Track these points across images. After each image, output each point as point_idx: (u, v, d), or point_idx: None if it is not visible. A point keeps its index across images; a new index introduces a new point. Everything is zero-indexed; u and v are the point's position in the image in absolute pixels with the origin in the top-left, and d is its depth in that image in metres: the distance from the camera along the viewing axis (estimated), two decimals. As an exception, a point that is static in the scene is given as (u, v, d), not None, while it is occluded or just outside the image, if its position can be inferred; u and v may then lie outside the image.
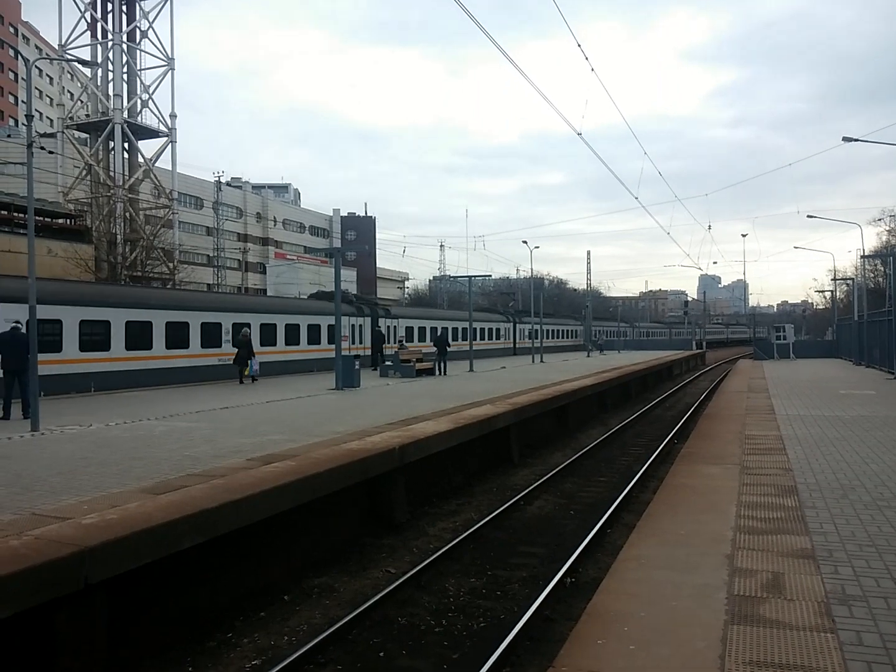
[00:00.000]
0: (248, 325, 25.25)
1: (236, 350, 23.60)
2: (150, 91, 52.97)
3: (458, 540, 9.36)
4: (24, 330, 13.98)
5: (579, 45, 17.99)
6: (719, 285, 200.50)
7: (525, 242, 51.41)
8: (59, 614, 5.52)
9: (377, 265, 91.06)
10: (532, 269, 62.78)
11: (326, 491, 8.73)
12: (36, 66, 72.26)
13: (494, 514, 10.68)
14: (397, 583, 7.77)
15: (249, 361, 23.36)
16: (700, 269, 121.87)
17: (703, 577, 5.36)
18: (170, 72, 53.16)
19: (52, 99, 76.87)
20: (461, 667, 6.10)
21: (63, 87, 60.53)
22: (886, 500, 7.54)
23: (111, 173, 50.04)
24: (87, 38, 51.17)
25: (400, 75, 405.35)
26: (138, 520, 6.30)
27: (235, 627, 6.94)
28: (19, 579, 5.11)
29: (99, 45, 51.24)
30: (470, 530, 9.80)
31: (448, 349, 29.56)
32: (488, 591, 7.84)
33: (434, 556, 8.66)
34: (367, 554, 9.16)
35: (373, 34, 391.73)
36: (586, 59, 19.17)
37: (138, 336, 22.05)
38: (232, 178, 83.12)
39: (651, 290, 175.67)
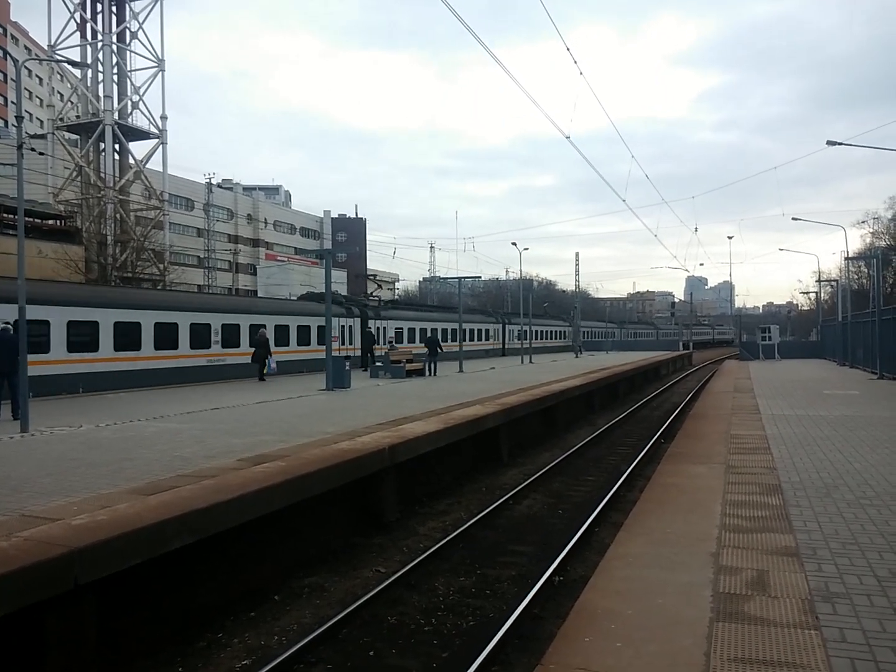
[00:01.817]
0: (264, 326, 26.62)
1: (254, 349, 24.81)
2: (141, 92, 52.78)
3: (447, 539, 9.40)
4: (12, 331, 13.93)
5: (568, 49, 18.11)
6: (706, 287, 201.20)
7: (514, 244, 50.51)
8: (48, 615, 5.53)
9: (368, 266, 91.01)
10: (521, 271, 62.89)
11: (317, 491, 8.76)
12: (25, 67, 71.85)
13: (484, 513, 10.73)
14: (387, 582, 7.81)
15: (267, 360, 24.36)
16: (687, 270, 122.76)
17: (689, 575, 5.42)
18: (160, 73, 52.94)
19: (41, 100, 76.47)
20: (450, 665, 6.13)
21: (53, 88, 60.23)
22: (869, 498, 7.63)
23: (101, 174, 49.80)
24: (76, 38, 50.92)
25: (391, 78, 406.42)
26: (128, 520, 6.31)
27: (226, 627, 6.96)
28: (9, 580, 5.11)
29: (88, 46, 50.99)
30: (459, 530, 9.85)
31: (440, 351, 29.57)
32: (477, 590, 7.89)
33: (424, 556, 8.70)
34: (358, 553, 9.19)
35: (364, 38, 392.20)
36: (575, 62, 19.30)
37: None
38: (223, 179, 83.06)
39: (639, 292, 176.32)
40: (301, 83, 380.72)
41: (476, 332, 48.70)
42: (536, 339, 58.23)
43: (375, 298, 40.52)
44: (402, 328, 38.64)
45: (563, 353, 58.99)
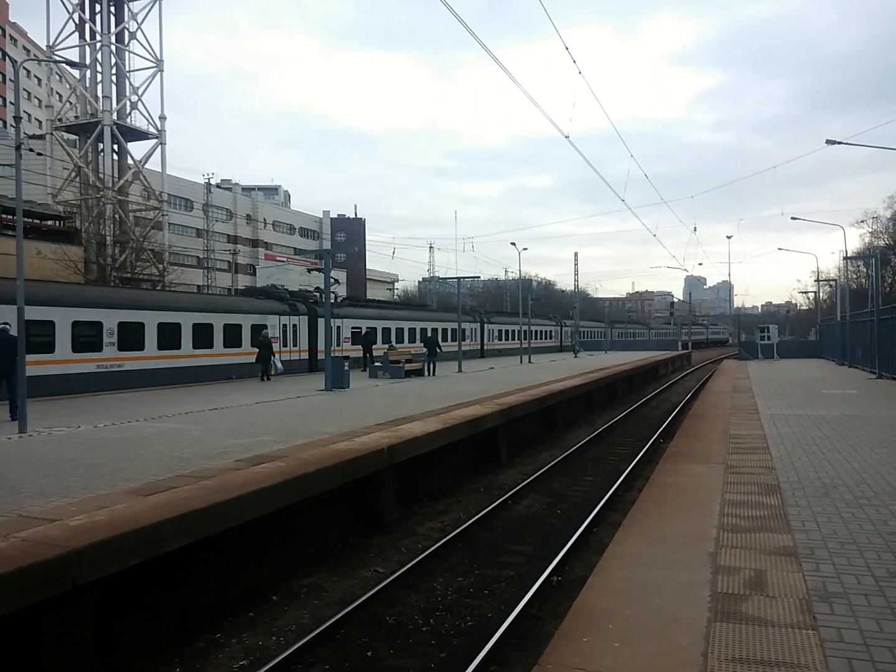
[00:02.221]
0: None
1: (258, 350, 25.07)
2: (140, 93, 52.76)
3: (446, 539, 9.41)
4: (12, 332, 13.91)
5: (567, 49, 18.09)
6: (705, 286, 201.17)
7: (513, 244, 50.22)
8: (46, 616, 5.53)
9: (367, 267, 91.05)
10: (520, 271, 62.58)
11: (315, 491, 8.76)
12: (24, 68, 71.77)
13: (482, 513, 10.73)
14: (385, 582, 7.81)
15: (272, 360, 24.73)
16: (686, 270, 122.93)
17: (688, 575, 5.42)
18: (159, 73, 52.92)
19: (40, 100, 76.52)
20: (449, 665, 6.13)
21: (52, 89, 60.25)
22: (867, 497, 7.63)
23: (100, 175, 49.76)
24: (75, 39, 50.89)
25: (389, 79, 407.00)
26: (126, 521, 6.31)
27: (224, 628, 6.95)
28: (6, 581, 5.11)
29: (87, 47, 50.95)
30: (458, 529, 9.85)
31: (439, 350, 29.52)
32: (476, 590, 7.89)
33: (422, 556, 8.71)
34: (356, 553, 9.19)
35: (362, 38, 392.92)
36: (574, 62, 19.28)
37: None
38: (222, 180, 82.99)
39: (638, 292, 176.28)
40: (299, 83, 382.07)
41: (450, 331, 42.38)
42: (519, 339, 52.10)
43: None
44: (359, 328, 33.97)
45: (550, 353, 55.25)
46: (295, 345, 29.19)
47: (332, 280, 35.33)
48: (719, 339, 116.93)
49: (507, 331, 53.14)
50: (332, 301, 32.58)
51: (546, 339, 61.89)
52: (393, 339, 36.48)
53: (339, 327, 32.16)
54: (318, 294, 33.33)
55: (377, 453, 10.15)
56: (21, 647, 5.54)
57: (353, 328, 33.62)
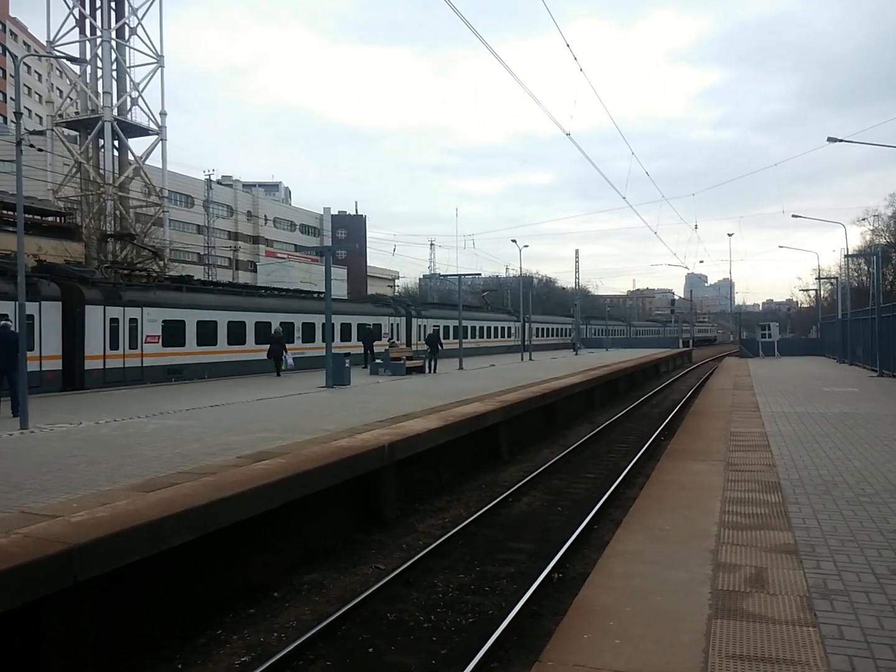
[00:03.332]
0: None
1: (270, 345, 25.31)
2: (140, 88, 52.67)
3: (447, 536, 9.41)
4: (13, 328, 13.92)
5: (568, 45, 18.05)
6: (706, 284, 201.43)
7: (514, 241, 50.10)
8: (48, 612, 5.53)
9: (368, 264, 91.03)
10: (521, 268, 62.33)
11: (316, 488, 8.76)
12: (24, 63, 71.80)
13: (483, 510, 10.73)
14: (386, 579, 7.81)
15: (284, 356, 24.89)
16: (687, 268, 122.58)
17: (688, 572, 5.42)
18: (159, 69, 52.84)
19: (40, 96, 76.38)
20: (449, 662, 6.13)
21: (52, 85, 60.20)
22: (868, 495, 7.64)
23: (101, 171, 49.71)
24: (75, 34, 50.76)
25: (388, 75, 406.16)
26: (128, 517, 6.32)
27: (225, 624, 6.96)
28: (7, 577, 5.11)
29: (87, 42, 50.87)
30: (459, 527, 9.85)
31: (440, 348, 29.51)
32: (477, 587, 7.89)
33: (423, 553, 8.72)
34: (357, 550, 9.20)
35: (360, 34, 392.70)
36: (575, 59, 19.25)
37: None
38: (222, 176, 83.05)
39: (639, 289, 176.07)
40: (297, 80, 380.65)
41: (356, 327, 34.29)
42: (470, 336, 46.00)
43: (140, 273, 26.49)
44: (181, 320, 24.87)
45: (508, 355, 47.00)
46: (31, 348, 17.89)
47: (152, 254, 24.67)
48: (706, 336, 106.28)
49: (444, 327, 43.03)
50: (115, 282, 25.18)
51: (500, 336, 53.75)
52: (252, 337, 27.72)
53: (141, 320, 23.30)
54: (90, 270, 26.44)
55: (378, 450, 10.16)
56: (22, 643, 5.55)
57: (167, 320, 24.28)
